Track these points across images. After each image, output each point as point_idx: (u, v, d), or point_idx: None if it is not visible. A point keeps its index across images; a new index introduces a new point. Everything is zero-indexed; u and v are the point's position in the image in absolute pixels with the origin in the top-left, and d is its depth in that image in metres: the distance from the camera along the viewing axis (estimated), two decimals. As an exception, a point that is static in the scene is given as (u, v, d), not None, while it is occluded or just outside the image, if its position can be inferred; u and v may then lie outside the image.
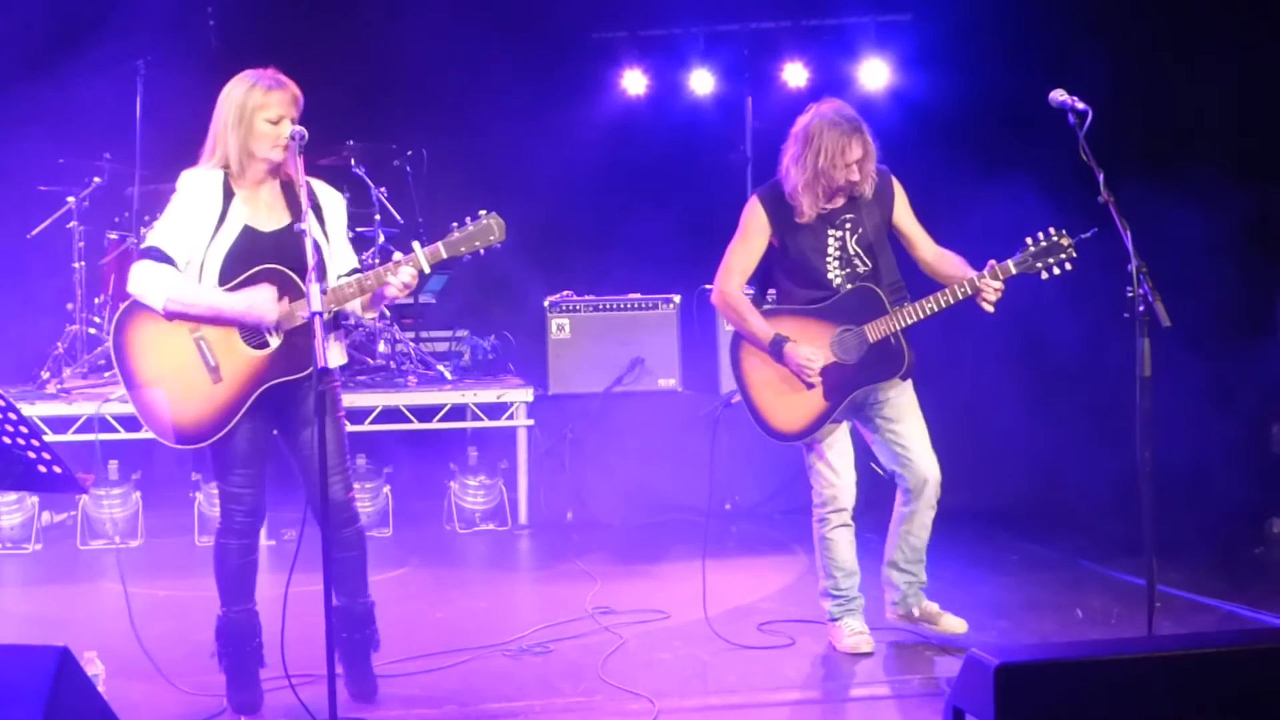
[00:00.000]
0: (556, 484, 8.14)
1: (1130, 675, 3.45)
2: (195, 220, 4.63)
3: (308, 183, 4.60)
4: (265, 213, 4.69)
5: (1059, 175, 5.90)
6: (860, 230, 5.42)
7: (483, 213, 4.62)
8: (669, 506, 8.05)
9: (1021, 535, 7.48)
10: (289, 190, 4.74)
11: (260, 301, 4.58)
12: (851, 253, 5.43)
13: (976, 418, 7.99)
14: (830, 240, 5.43)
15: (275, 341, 4.63)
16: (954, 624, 5.51)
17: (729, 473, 8.05)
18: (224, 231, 4.63)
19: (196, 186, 4.67)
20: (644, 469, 8.11)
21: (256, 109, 4.61)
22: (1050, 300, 5.97)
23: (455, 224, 4.65)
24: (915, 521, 5.51)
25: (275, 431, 4.84)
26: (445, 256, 4.61)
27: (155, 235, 4.67)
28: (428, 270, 4.62)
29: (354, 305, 4.78)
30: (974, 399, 8.14)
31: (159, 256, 4.61)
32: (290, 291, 4.60)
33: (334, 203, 4.86)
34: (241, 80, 4.66)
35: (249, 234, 4.65)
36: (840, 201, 5.42)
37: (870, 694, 5.19)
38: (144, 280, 4.59)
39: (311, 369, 4.43)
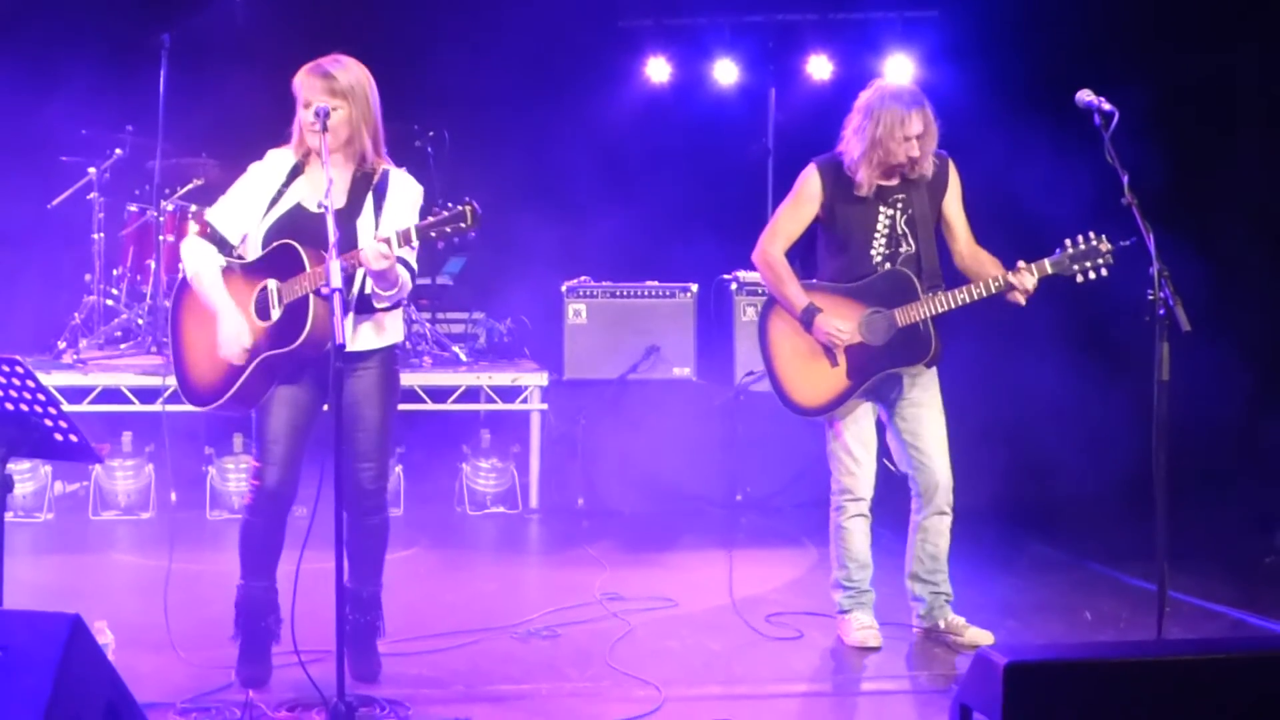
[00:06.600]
0: (568, 469, 8.13)
1: (1139, 678, 3.45)
2: (248, 197, 4.84)
3: (386, 170, 4.82)
4: (322, 194, 4.68)
5: (1084, 175, 5.88)
6: (911, 210, 5.41)
7: (467, 200, 4.57)
8: (680, 495, 8.04)
9: (1032, 537, 7.45)
10: (362, 178, 4.82)
11: (228, 323, 4.71)
12: (900, 232, 5.42)
13: (990, 418, 7.96)
14: (881, 217, 5.42)
15: (276, 314, 4.71)
16: (980, 636, 5.47)
17: (741, 464, 8.05)
18: (276, 208, 4.80)
19: (262, 165, 4.90)
20: (656, 457, 8.09)
21: (297, 95, 4.75)
22: (1065, 302, 5.94)
23: (435, 207, 4.66)
24: (930, 529, 5.50)
25: (326, 408, 4.88)
26: (415, 241, 4.60)
27: (212, 210, 4.92)
28: (396, 247, 4.58)
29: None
30: (987, 399, 8.11)
31: (204, 232, 4.88)
32: (296, 268, 4.66)
33: (401, 191, 4.87)
34: None
35: (296, 211, 4.78)
36: (896, 180, 5.41)
37: (879, 689, 5.20)
38: (184, 251, 4.89)
39: (299, 343, 4.63)
